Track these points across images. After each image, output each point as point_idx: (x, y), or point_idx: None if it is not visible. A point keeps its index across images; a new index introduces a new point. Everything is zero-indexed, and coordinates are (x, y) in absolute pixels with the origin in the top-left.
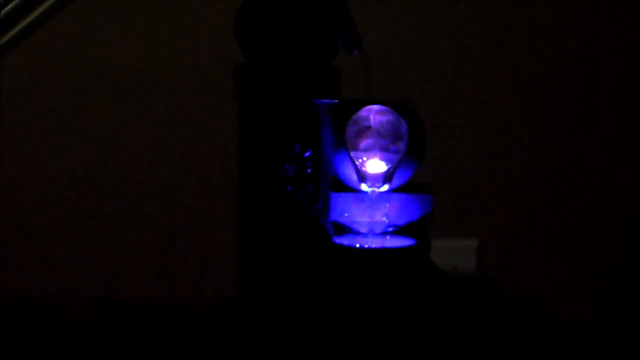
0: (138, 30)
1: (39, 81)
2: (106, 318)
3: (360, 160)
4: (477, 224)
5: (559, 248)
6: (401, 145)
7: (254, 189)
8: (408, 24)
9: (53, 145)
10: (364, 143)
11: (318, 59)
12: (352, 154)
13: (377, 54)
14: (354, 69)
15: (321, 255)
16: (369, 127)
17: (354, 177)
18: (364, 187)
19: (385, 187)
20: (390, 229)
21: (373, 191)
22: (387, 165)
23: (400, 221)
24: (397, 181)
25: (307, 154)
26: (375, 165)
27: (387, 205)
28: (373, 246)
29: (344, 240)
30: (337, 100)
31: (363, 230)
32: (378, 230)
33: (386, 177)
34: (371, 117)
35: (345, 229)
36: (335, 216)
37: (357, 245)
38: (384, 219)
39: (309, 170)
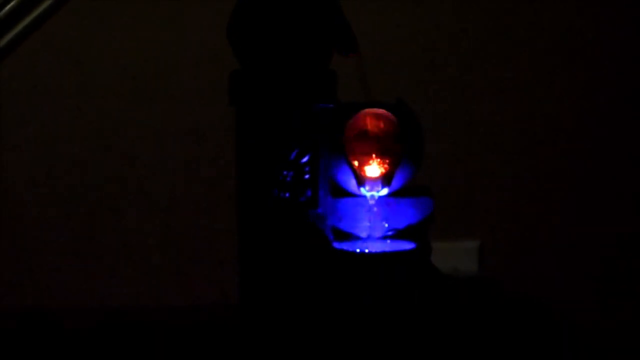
0: (136, 35)
1: (39, 81)
2: (107, 326)
3: (358, 165)
4: (478, 226)
5: (559, 248)
6: (399, 148)
7: (253, 195)
8: (404, 26)
9: (52, 147)
10: (362, 147)
11: (313, 63)
12: (350, 158)
13: (373, 56)
14: (350, 72)
15: (321, 261)
16: (366, 131)
17: (353, 181)
18: (362, 191)
19: (385, 191)
20: (390, 233)
21: (372, 195)
22: (385, 168)
23: (400, 225)
24: (396, 184)
25: (304, 160)
26: (373, 169)
27: (387, 209)
28: (373, 250)
29: (344, 245)
30: (333, 105)
31: (363, 234)
32: (378, 234)
33: (385, 181)
34: (368, 120)
35: (344, 234)
36: (334, 221)
37: (357, 250)
38: (384, 223)
39: (307, 176)
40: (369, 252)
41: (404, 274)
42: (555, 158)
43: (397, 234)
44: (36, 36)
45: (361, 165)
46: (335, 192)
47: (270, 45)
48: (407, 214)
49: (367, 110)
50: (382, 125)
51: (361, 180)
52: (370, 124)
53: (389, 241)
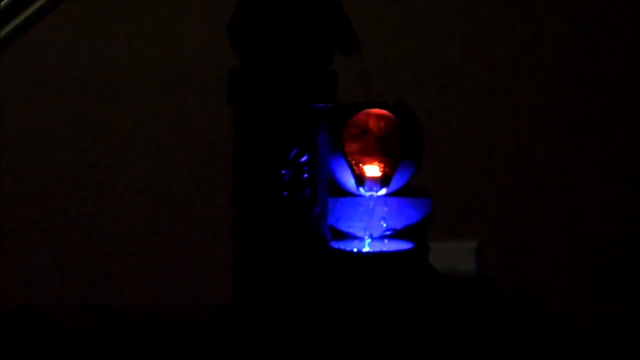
0: (136, 34)
1: (39, 81)
2: (104, 325)
3: (357, 164)
4: (476, 226)
5: (558, 248)
6: (399, 149)
7: (251, 194)
8: (405, 27)
9: (51, 147)
10: (362, 147)
11: (314, 63)
12: (349, 157)
13: (374, 56)
14: (351, 72)
15: (319, 260)
16: (366, 131)
17: (352, 181)
18: (361, 191)
19: (383, 191)
20: (389, 233)
21: (371, 195)
22: (384, 168)
23: (399, 225)
24: (395, 185)
25: (303, 159)
26: (372, 169)
27: (385, 209)
28: (370, 250)
29: (342, 245)
30: (333, 104)
31: (361, 234)
32: (376, 234)
33: (384, 181)
34: (368, 120)
35: (343, 234)
36: (332, 221)
37: (355, 250)
38: (382, 222)
39: (306, 175)
40: (367, 252)
41: (402, 274)
42: (555, 157)
43: (396, 234)
44: (36, 36)
45: (360, 165)
46: (334, 191)
47: (271, 44)
48: (406, 214)
49: (367, 110)
50: (382, 125)
51: (360, 180)
52: (371, 124)
53: (387, 241)
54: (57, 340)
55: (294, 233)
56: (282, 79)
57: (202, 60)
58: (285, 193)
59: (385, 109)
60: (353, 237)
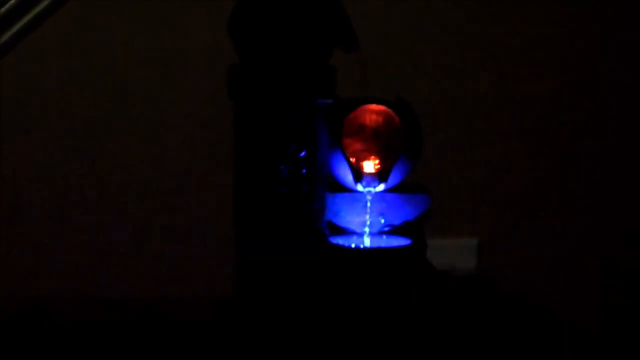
0: (136, 31)
1: (38, 81)
2: (104, 319)
3: (355, 160)
4: (477, 223)
5: (558, 247)
6: (397, 145)
7: (250, 189)
8: (405, 23)
9: (51, 145)
10: (360, 143)
11: (313, 59)
12: (347, 153)
13: (374, 52)
14: (350, 68)
15: (317, 256)
16: (365, 127)
17: (350, 177)
18: (359, 187)
19: (381, 187)
20: (387, 229)
21: (369, 191)
22: (382, 164)
23: (397, 221)
24: (393, 181)
25: (302, 154)
26: (371, 165)
27: (383, 205)
28: (369, 246)
29: (340, 241)
30: (332, 100)
31: (359, 230)
32: (374, 230)
33: (382, 177)
34: (367, 116)
35: (341, 230)
36: (331, 216)
37: (353, 246)
38: (380, 219)
39: (304, 171)
40: (364, 248)
41: (399, 270)
42: (555, 156)
43: (394, 230)
44: (36, 36)
45: (359, 161)
46: (332, 187)
47: (270, 40)
48: (404, 210)
49: (366, 106)
50: (381, 121)
51: (358, 176)
52: (369, 120)
53: (384, 237)
54: (59, 334)
55: (292, 228)
56: (281, 74)
57: (202, 56)
58: (283, 189)
59: (384, 105)
60: (351, 233)
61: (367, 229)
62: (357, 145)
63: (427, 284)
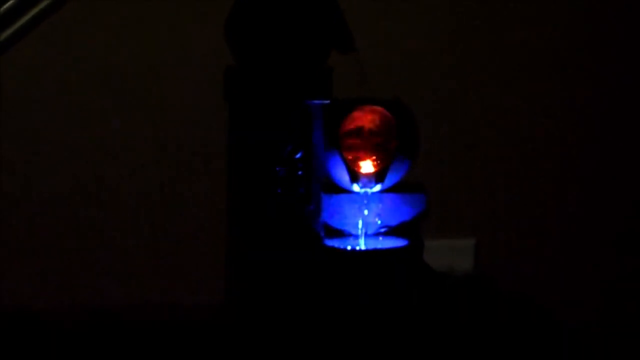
0: (133, 32)
1: (39, 81)
2: (99, 325)
3: (352, 161)
4: (474, 223)
5: (556, 247)
6: (394, 145)
7: (245, 191)
8: (401, 23)
9: (49, 148)
10: (357, 143)
11: (310, 60)
12: (344, 154)
13: (370, 53)
14: (347, 69)
15: (313, 258)
16: (361, 127)
17: (347, 177)
18: (356, 187)
19: (378, 188)
20: (383, 230)
21: (365, 192)
22: (379, 165)
23: (393, 221)
24: (389, 181)
25: (298, 156)
26: (367, 165)
27: (380, 205)
28: (365, 248)
29: (336, 242)
30: (329, 101)
31: (355, 231)
32: (371, 231)
33: (378, 177)
34: (364, 117)
35: (337, 231)
36: (326, 218)
37: (349, 247)
38: (377, 219)
39: (301, 172)
40: (360, 250)
41: (397, 271)
42: (553, 156)
43: (390, 231)
44: (36, 35)
45: (355, 161)
46: (328, 188)
47: (266, 42)
48: (400, 211)
49: (362, 106)
50: (377, 122)
51: (355, 177)
52: (366, 121)
53: (381, 238)
54: (51, 340)
55: (288, 230)
56: (278, 75)
57: (198, 57)
58: (279, 190)
59: (381, 106)
60: (347, 235)
61: (360, 230)
62: (354, 146)
63: (425, 285)
